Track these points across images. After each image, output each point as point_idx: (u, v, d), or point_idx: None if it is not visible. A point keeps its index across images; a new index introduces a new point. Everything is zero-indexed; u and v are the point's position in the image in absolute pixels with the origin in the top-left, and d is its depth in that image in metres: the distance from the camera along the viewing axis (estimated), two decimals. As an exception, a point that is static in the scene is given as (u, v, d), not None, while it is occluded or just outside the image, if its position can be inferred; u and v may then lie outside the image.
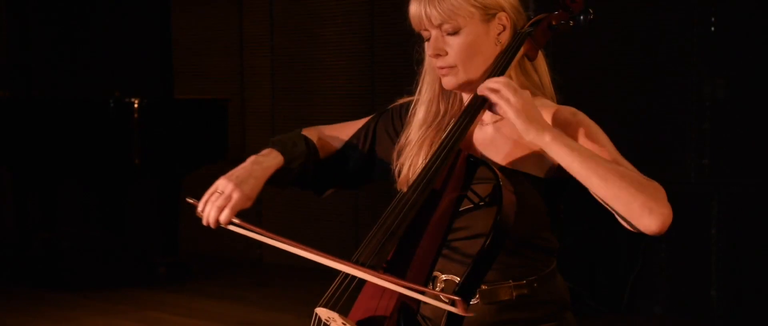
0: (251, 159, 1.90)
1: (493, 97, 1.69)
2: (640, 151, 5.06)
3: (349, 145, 2.05)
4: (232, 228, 1.80)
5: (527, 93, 1.70)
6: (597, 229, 4.95)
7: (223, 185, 1.82)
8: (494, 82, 1.69)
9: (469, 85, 1.85)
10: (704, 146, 4.97)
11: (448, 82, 1.86)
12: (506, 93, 1.67)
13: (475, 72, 1.83)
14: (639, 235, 1.73)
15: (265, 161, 1.91)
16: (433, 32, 1.82)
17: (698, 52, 4.96)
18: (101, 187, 7.39)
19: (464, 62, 1.82)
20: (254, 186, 1.85)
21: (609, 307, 5.17)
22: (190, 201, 1.84)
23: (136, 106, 5.80)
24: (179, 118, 6.15)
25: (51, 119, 6.16)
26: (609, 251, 5.19)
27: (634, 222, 1.65)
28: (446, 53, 1.82)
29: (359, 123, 2.08)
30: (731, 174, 4.91)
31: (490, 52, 1.84)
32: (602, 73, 5.21)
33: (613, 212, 1.69)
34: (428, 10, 1.80)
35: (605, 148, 1.76)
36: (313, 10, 6.60)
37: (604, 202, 1.68)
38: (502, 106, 1.67)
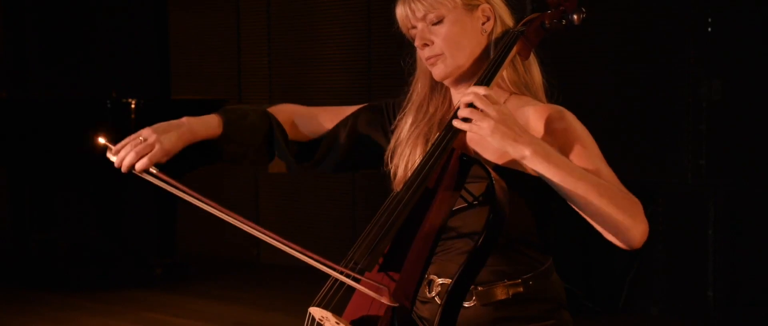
0: (186, 118, 1.94)
1: (466, 117, 1.69)
2: (637, 152, 5.06)
3: (334, 131, 2.02)
4: (146, 176, 1.84)
5: (504, 106, 1.70)
6: (593, 230, 4.94)
7: (146, 134, 1.86)
8: (464, 107, 1.69)
9: (459, 73, 1.88)
10: (701, 147, 4.97)
11: (438, 71, 1.88)
12: (477, 119, 1.67)
13: (463, 58, 1.87)
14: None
15: (198, 126, 1.95)
16: (419, 25, 1.87)
17: (694, 53, 4.95)
18: (98, 188, 7.37)
19: (451, 48, 1.86)
20: (176, 143, 1.90)
21: (606, 308, 5.17)
22: (103, 141, 1.84)
23: (133, 106, 5.79)
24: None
25: (47, 120, 6.15)
26: (605, 251, 5.17)
27: (610, 238, 1.74)
28: (433, 42, 1.86)
29: (347, 110, 2.06)
30: (727, 174, 4.91)
31: (476, 40, 1.87)
32: (598, 73, 5.20)
33: (592, 224, 1.73)
34: (412, 5, 1.86)
35: (588, 152, 1.78)
36: (311, 10, 6.59)
37: (583, 216, 1.72)
38: (475, 131, 1.68)
